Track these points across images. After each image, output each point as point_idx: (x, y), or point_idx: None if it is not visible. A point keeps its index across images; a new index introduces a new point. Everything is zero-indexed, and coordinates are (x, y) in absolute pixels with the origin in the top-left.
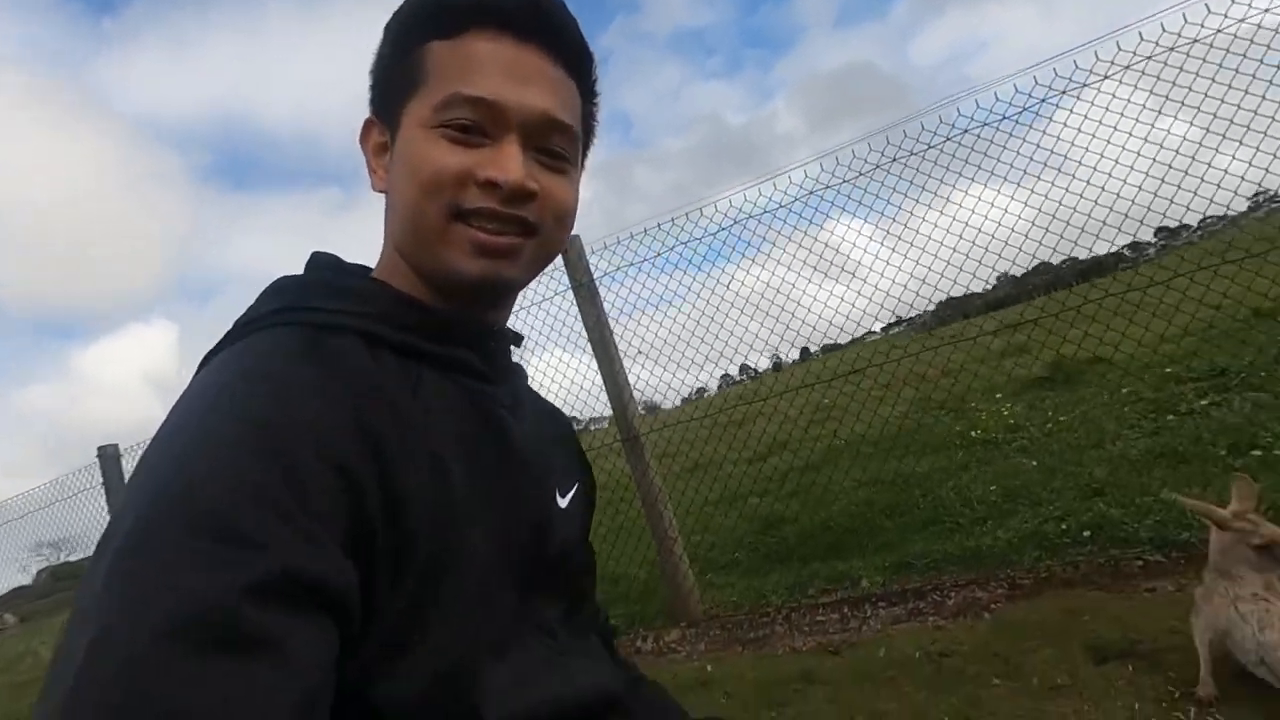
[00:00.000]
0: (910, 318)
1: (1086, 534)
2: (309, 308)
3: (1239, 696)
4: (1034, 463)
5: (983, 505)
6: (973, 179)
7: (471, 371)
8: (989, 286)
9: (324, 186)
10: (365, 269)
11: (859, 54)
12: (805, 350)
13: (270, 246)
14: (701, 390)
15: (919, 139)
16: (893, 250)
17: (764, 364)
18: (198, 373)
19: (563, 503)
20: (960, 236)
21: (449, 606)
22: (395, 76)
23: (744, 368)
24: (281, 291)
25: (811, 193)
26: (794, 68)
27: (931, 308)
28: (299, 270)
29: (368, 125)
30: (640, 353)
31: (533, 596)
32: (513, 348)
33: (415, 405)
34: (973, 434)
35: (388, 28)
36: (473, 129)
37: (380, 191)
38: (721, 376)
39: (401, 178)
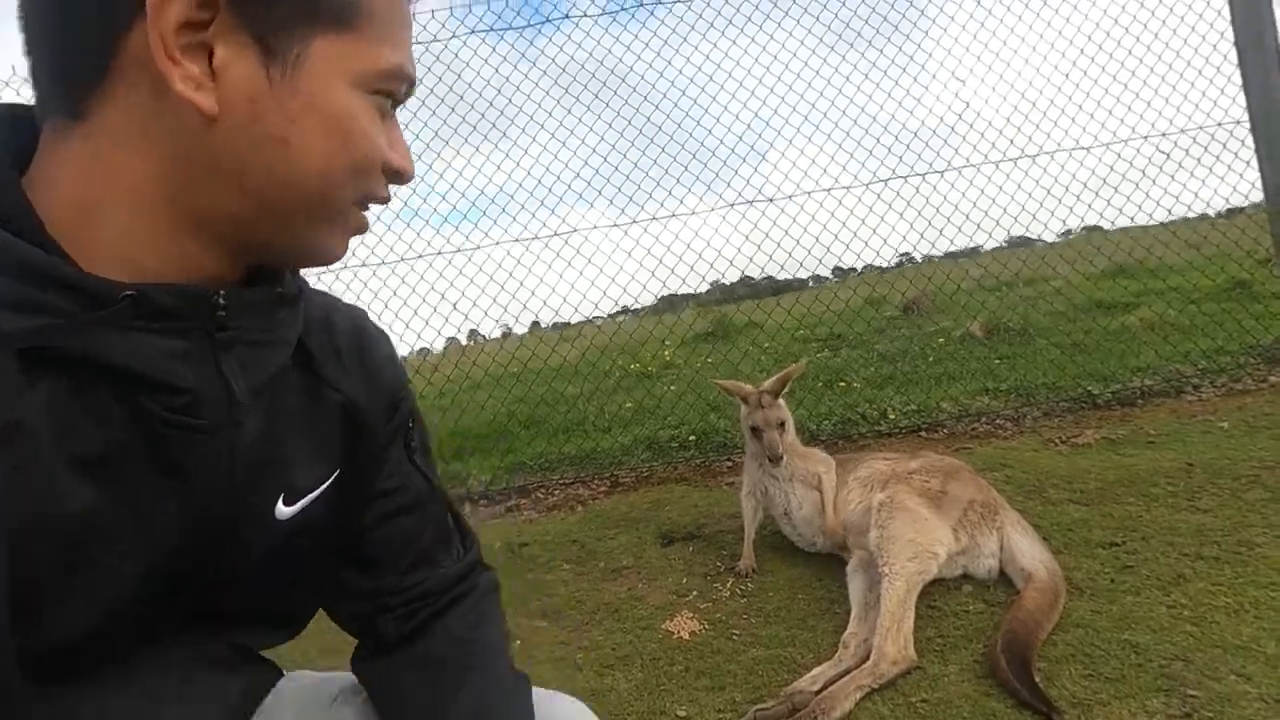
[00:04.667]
0: (634, 309)
1: (692, 439)
2: None
3: (772, 567)
4: (673, 388)
5: (615, 418)
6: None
7: (138, 380)
8: (704, 289)
9: None
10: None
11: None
12: (535, 323)
13: None
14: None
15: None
16: (635, 244)
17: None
18: None
19: (286, 511)
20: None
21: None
22: None
23: (473, 333)
24: None
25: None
26: (561, 39)
27: (653, 301)
28: None
29: None
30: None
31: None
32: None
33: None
34: (632, 367)
35: None
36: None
37: (202, 109)
38: (449, 339)
39: (318, 140)
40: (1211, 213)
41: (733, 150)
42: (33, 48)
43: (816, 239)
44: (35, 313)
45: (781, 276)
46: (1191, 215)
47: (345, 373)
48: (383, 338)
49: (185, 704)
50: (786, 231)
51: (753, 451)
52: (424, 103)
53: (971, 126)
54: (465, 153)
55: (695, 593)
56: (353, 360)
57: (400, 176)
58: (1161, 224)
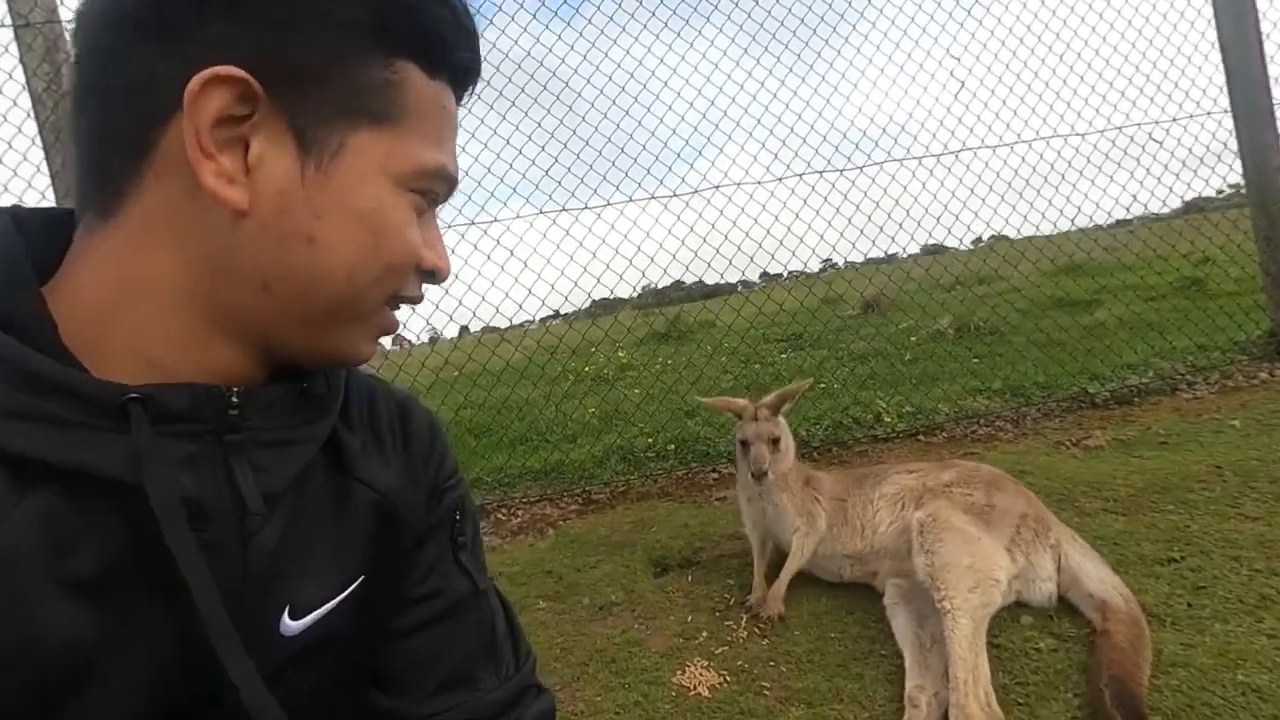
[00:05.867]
0: (566, 313)
1: (671, 448)
2: None
3: (791, 598)
4: (637, 391)
5: (578, 425)
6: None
7: (135, 491)
8: (636, 294)
9: None
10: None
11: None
12: (464, 329)
13: None
14: None
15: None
16: (577, 248)
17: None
18: None
19: (294, 626)
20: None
21: None
22: (344, 77)
23: (397, 338)
24: None
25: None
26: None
27: (587, 305)
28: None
29: (221, 81)
30: None
31: None
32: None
33: None
34: (587, 369)
35: None
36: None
37: (232, 205)
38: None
39: (346, 237)
40: (1109, 221)
41: (679, 153)
42: (76, 141)
43: (735, 225)
44: (32, 421)
45: (711, 280)
46: (1087, 224)
47: (385, 464)
48: (430, 421)
49: None
50: (710, 223)
51: (742, 470)
52: None
53: (884, 130)
54: None
55: (705, 634)
56: (395, 447)
57: (435, 276)
58: (1077, 230)
